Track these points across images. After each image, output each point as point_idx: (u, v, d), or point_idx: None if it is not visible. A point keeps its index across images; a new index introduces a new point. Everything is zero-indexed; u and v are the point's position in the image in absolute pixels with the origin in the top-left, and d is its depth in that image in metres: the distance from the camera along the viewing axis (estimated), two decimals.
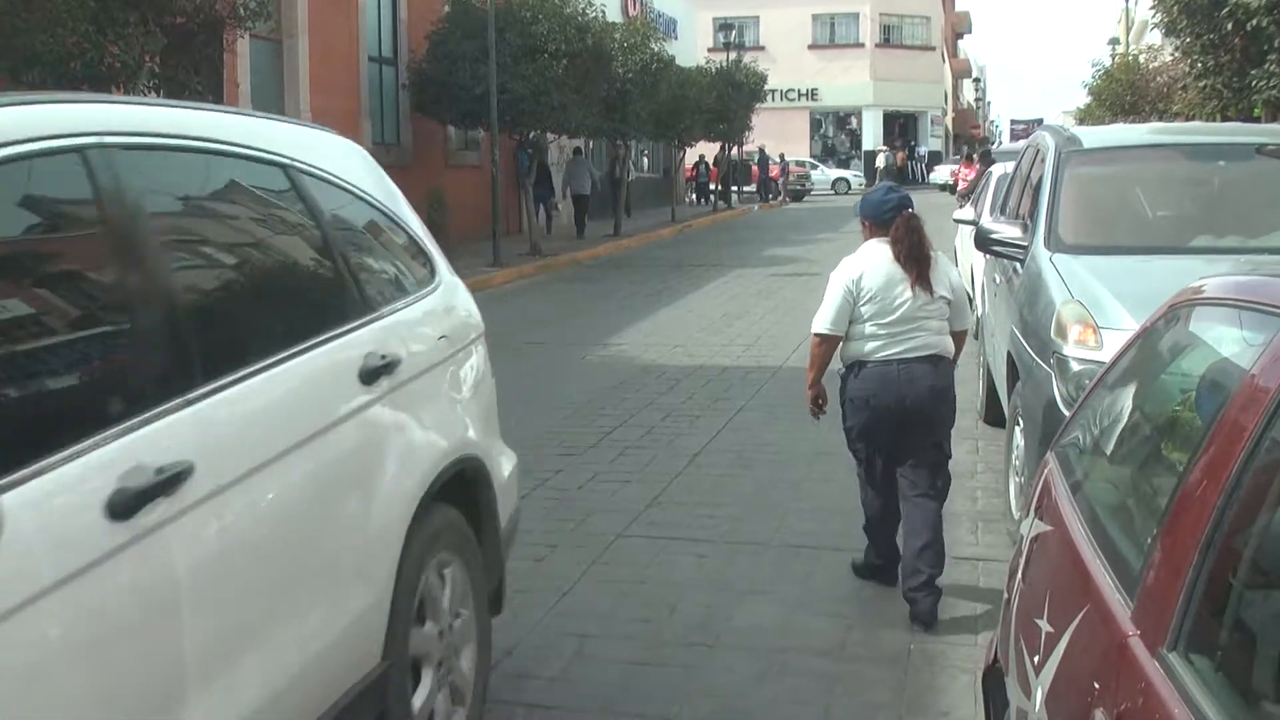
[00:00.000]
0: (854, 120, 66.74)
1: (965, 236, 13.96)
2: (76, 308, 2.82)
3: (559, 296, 18.25)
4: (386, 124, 23.75)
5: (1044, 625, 2.90)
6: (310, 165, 3.93)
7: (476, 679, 4.37)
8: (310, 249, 3.91)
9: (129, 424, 2.70)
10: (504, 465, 4.93)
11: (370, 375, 3.78)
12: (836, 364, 5.90)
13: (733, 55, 38.71)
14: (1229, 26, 18.04)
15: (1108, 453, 3.35)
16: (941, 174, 54.13)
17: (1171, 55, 27.43)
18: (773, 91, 47.23)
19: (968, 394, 10.43)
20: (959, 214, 15.04)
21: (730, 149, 40.60)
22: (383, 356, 3.87)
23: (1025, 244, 7.32)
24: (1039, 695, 2.78)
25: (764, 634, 5.48)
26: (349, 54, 22.03)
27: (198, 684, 2.79)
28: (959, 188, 19.25)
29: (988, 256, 8.93)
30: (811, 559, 6.48)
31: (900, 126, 68.14)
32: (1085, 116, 40.47)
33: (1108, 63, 40.46)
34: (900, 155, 20.58)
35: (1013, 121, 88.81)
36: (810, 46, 65.69)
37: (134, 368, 2.89)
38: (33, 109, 2.85)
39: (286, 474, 3.23)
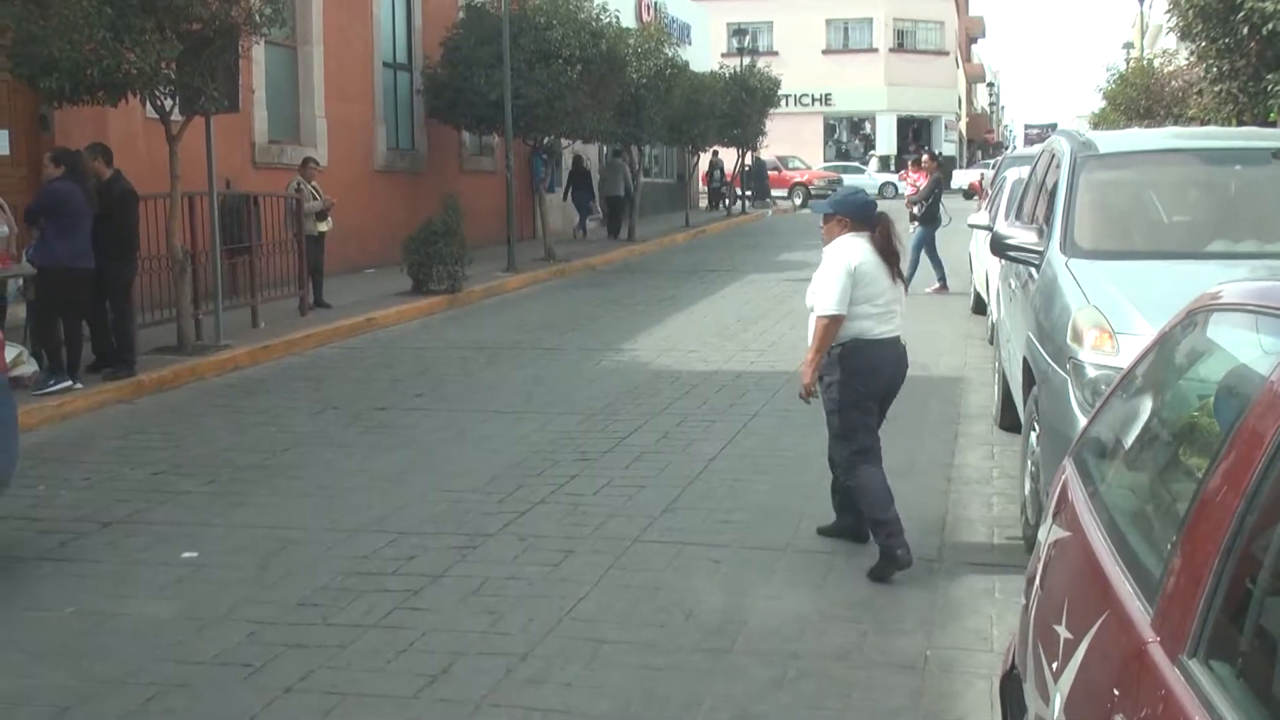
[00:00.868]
0: (868, 125, 66.63)
1: (980, 241, 13.95)
2: None
3: (573, 301, 18.25)
4: (401, 130, 23.78)
5: (1062, 631, 2.90)
6: None
7: None
8: None
9: None
10: None
11: None
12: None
13: (746, 60, 38.66)
14: (1244, 31, 17.98)
15: (1126, 459, 3.35)
16: (959, 179, 54.01)
17: (1186, 60, 27.35)
18: (786, 96, 47.16)
19: (983, 399, 10.44)
20: (974, 218, 15.01)
21: (744, 154, 40.55)
22: None
23: (1041, 249, 7.31)
24: (1058, 702, 2.78)
25: (779, 639, 5.48)
26: (363, 60, 22.07)
27: None
28: (908, 193, 19.00)
29: (1003, 261, 8.91)
30: (826, 564, 6.48)
31: (914, 131, 68.05)
32: (1100, 121, 40.35)
33: (1122, 67, 40.33)
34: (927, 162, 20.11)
35: (1027, 126, 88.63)
36: (824, 51, 65.64)
37: None
38: None
39: None
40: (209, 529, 7.25)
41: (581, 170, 30.46)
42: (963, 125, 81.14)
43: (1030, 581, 3.58)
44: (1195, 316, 3.21)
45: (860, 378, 6.36)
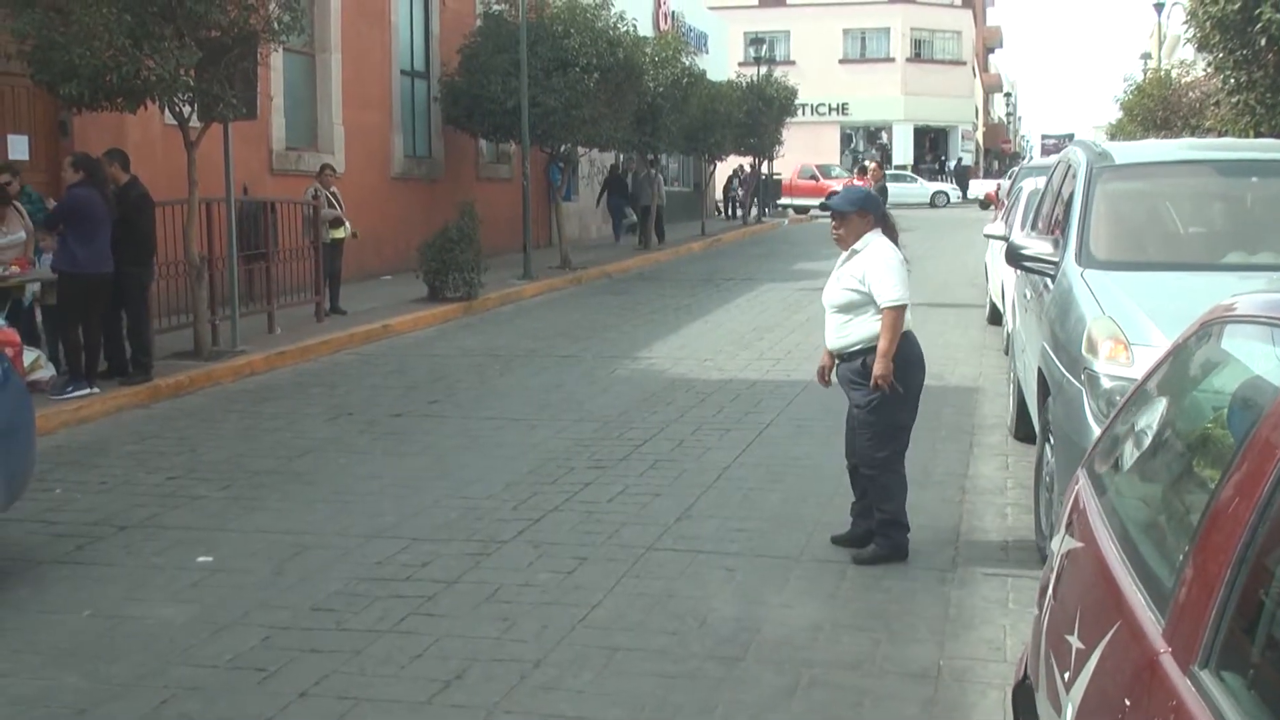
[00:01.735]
0: (884, 135, 66.61)
1: (996, 251, 13.93)
2: None
3: (589, 309, 18.27)
4: (418, 137, 23.85)
5: (1075, 642, 2.90)
6: None
7: None
8: None
9: None
10: None
11: None
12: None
13: (763, 69, 38.68)
14: (1262, 42, 17.93)
15: (1139, 469, 3.35)
16: (977, 189, 53.90)
17: (1204, 71, 27.28)
18: (803, 106, 47.21)
19: (997, 409, 10.43)
20: (990, 229, 15.00)
21: (760, 163, 40.55)
22: None
23: (1056, 259, 7.30)
24: (1070, 712, 2.78)
25: (792, 648, 5.48)
26: (381, 67, 22.14)
27: None
28: None
29: (1018, 272, 8.90)
30: (839, 573, 6.47)
31: (931, 141, 68.03)
32: (1117, 132, 40.27)
33: (1140, 78, 40.26)
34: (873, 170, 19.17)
35: (1044, 136, 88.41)
36: (841, 61, 65.68)
37: None
38: None
39: None
40: (224, 533, 7.27)
41: (617, 177, 30.73)
42: (979, 135, 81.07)
43: (1043, 591, 3.58)
44: (1210, 328, 3.21)
45: (912, 369, 6.55)
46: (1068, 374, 6.30)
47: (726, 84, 35.00)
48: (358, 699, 4.98)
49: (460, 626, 5.76)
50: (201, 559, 6.80)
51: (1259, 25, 17.62)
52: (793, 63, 59.65)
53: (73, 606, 6.11)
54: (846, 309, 6.56)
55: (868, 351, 6.48)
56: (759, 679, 5.16)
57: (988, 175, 65.17)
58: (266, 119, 17.42)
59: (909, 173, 58.82)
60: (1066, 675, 2.89)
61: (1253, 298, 3.01)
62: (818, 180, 49.58)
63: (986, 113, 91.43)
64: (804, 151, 54.23)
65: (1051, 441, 6.59)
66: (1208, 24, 18.97)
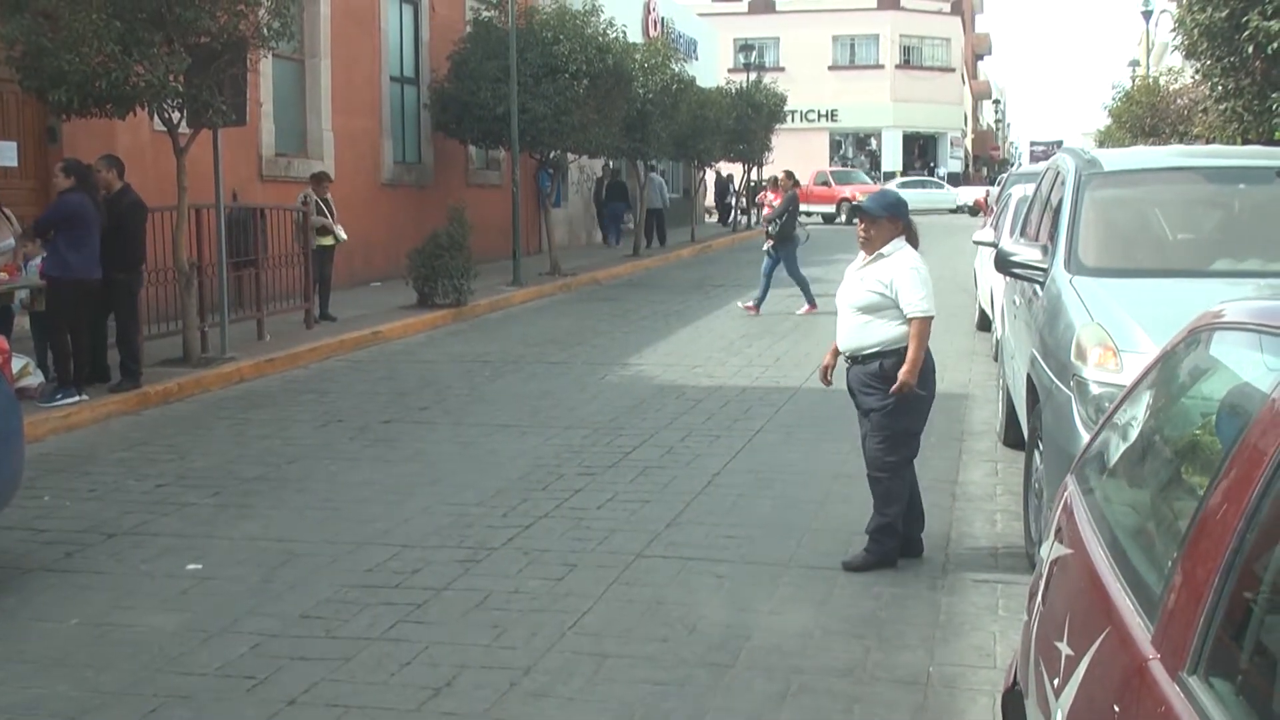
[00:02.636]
0: (874, 141, 66.77)
1: (985, 258, 13.96)
2: None
3: (579, 316, 18.27)
4: (408, 143, 23.84)
5: (1064, 648, 2.91)
6: None
7: None
8: None
9: None
10: None
11: None
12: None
13: (753, 76, 38.73)
14: (1249, 50, 18.00)
15: (1128, 476, 3.36)
16: (964, 196, 53.94)
17: (1192, 78, 27.38)
18: (792, 112, 47.28)
19: (987, 415, 10.44)
20: (979, 235, 15.03)
21: (749, 170, 40.58)
22: None
23: (1045, 266, 7.32)
24: (1059, 718, 2.78)
25: (783, 654, 5.48)
26: (371, 73, 22.13)
27: None
28: (765, 212, 18.83)
29: (1007, 279, 8.92)
30: (829, 580, 6.48)
31: (920, 148, 68.15)
32: (1105, 139, 40.38)
33: (1128, 85, 40.37)
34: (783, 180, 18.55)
35: (1032, 143, 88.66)
36: (830, 67, 65.82)
37: None
38: None
39: None
40: (213, 541, 7.26)
41: (618, 183, 31.24)
42: (968, 142, 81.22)
43: (1032, 597, 3.59)
44: (1198, 335, 3.22)
45: (929, 377, 6.61)
46: (1057, 380, 6.31)
47: (716, 90, 35.06)
48: (347, 707, 4.97)
49: (450, 634, 5.75)
50: (191, 566, 6.78)
51: (1246, 33, 17.69)
52: (782, 69, 59.75)
53: (61, 614, 6.09)
54: (867, 310, 6.54)
55: (884, 355, 6.50)
56: (749, 686, 5.16)
57: (976, 182, 65.21)
58: (256, 125, 17.40)
59: (933, 177, 58.53)
60: (1056, 682, 2.89)
61: (1241, 305, 3.02)
62: (829, 185, 48.89)
63: (975, 119, 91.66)
64: (793, 158, 54.22)
65: (1041, 448, 6.60)
66: (1195, 31, 19.04)
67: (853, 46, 66.67)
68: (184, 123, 12.56)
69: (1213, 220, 7.89)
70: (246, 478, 8.77)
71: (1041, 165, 13.86)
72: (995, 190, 25.83)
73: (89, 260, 10.91)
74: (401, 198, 22.71)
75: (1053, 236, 7.59)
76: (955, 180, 63.83)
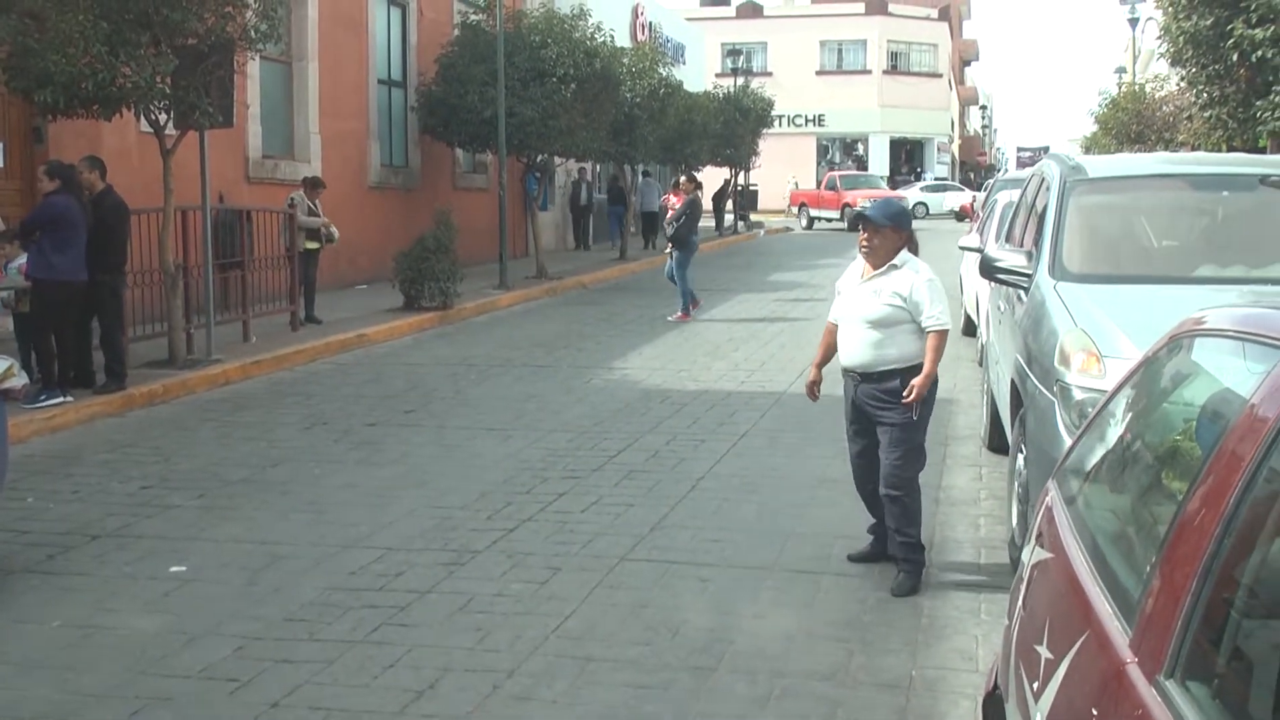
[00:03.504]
0: (860, 146, 66.84)
1: (970, 263, 13.99)
2: None
3: (564, 319, 18.27)
4: (395, 146, 23.82)
5: (1043, 652, 2.92)
6: None
7: None
8: None
9: None
10: None
11: None
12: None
13: (740, 81, 38.79)
14: (1234, 58, 18.10)
15: (1109, 481, 3.37)
16: (950, 202, 54.03)
17: (1178, 85, 27.50)
18: (780, 117, 47.25)
19: (971, 420, 10.46)
20: (965, 240, 15.07)
21: (736, 175, 40.60)
22: None
23: (1030, 272, 7.34)
24: None
25: (766, 658, 5.49)
26: (358, 76, 22.12)
27: None
28: (667, 215, 18.82)
29: (992, 284, 8.95)
30: (813, 584, 6.49)
31: (907, 153, 68.28)
32: (1091, 145, 40.54)
33: (1114, 92, 40.54)
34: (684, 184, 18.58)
35: (1019, 149, 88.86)
36: (818, 72, 65.89)
37: None
38: None
39: None
40: (197, 543, 7.24)
41: (618, 188, 31.91)
42: (955, 148, 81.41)
43: (1013, 602, 3.60)
44: (1180, 341, 3.24)
45: (936, 389, 6.52)
46: (1040, 386, 6.33)
47: (703, 95, 35.12)
48: (330, 710, 4.97)
49: (433, 636, 5.75)
50: (174, 569, 6.77)
51: (1231, 41, 17.79)
52: (770, 74, 59.85)
53: (43, 616, 6.07)
54: (884, 324, 6.34)
55: (903, 372, 6.32)
56: (732, 689, 5.16)
57: (981, 189, 65.25)
58: (243, 127, 17.37)
59: (952, 181, 58.10)
60: (1035, 685, 2.91)
61: (1223, 311, 3.03)
62: (836, 190, 45.99)
63: (962, 125, 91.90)
64: (781, 162, 54.32)
65: (1024, 452, 6.62)
66: (1181, 39, 19.14)
67: (840, 51, 66.76)
68: (170, 124, 12.54)
69: (1196, 227, 7.92)
70: (231, 480, 8.76)
71: (1027, 171, 13.90)
72: (981, 196, 25.92)
73: (75, 262, 10.88)
74: (388, 200, 22.69)
75: (1037, 242, 7.61)
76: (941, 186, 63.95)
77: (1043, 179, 8.53)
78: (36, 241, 10.85)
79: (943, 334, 6.34)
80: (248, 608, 6.16)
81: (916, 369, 6.31)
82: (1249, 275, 6.98)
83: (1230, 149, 19.38)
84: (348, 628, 5.86)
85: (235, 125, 13.94)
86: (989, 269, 7.78)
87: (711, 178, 42.89)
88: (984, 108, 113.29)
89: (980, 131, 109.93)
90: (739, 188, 41.94)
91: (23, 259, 11.14)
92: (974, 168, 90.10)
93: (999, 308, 8.90)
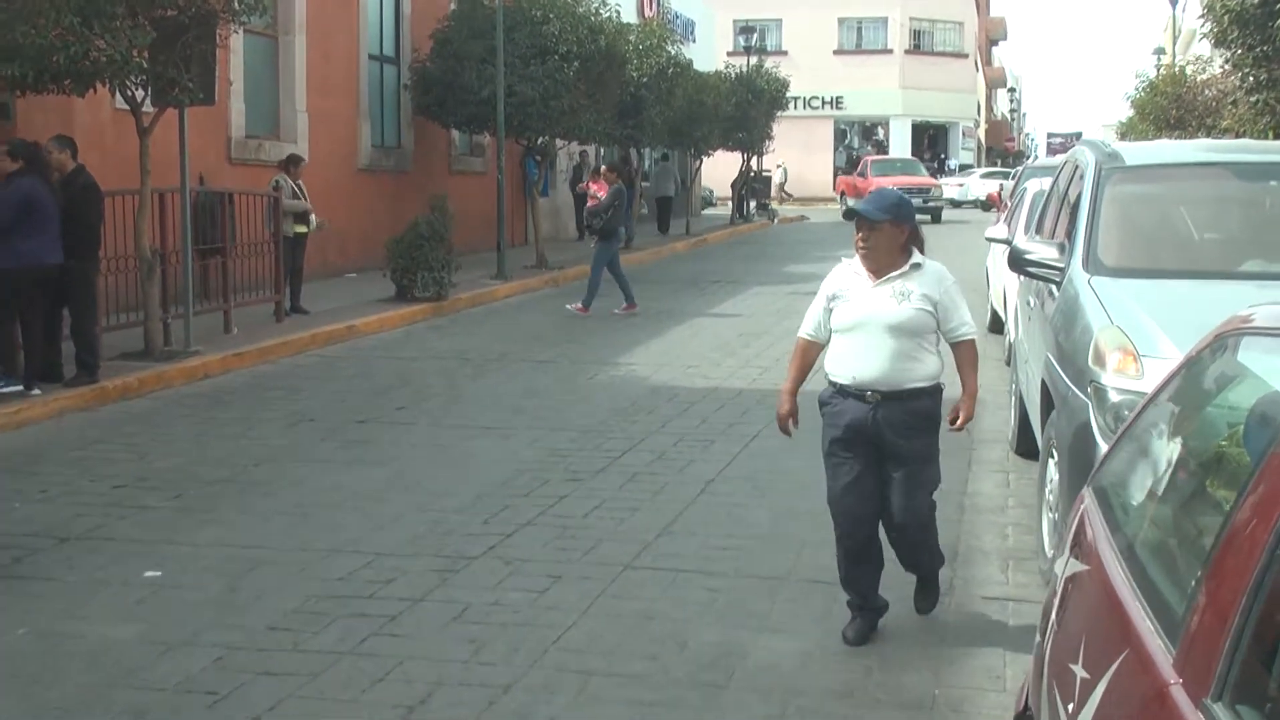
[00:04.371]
0: (881, 131, 66.78)
1: (998, 256, 13.97)
2: None
3: (566, 311, 18.26)
4: (387, 127, 23.83)
5: (1079, 671, 2.90)
6: None
7: None
8: None
9: None
10: None
11: None
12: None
13: (753, 60, 38.76)
14: None
15: (1148, 489, 3.35)
16: (976, 189, 53.94)
17: (1221, 68, 27.40)
18: (795, 99, 47.23)
19: (998, 423, 10.45)
20: (992, 231, 15.04)
21: (749, 160, 40.56)
22: None
23: (1062, 266, 7.33)
24: None
25: (779, 674, 5.48)
26: (348, 52, 22.12)
27: None
28: (589, 204, 18.75)
29: (1022, 278, 8.93)
30: (830, 595, 6.46)
31: (930, 138, 68.21)
32: (1128, 131, 40.46)
33: (1153, 74, 40.44)
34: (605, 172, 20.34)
35: (1049, 135, 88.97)
36: (836, 52, 65.79)
37: None
38: None
39: None
40: (174, 547, 7.24)
41: (626, 172, 31.56)
42: (981, 132, 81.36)
43: (1045, 617, 3.58)
44: (1225, 340, 3.22)
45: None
46: (1073, 386, 6.32)
47: (714, 75, 35.10)
48: None
49: (425, 648, 5.74)
50: (149, 574, 6.76)
51: None
52: (785, 53, 59.70)
53: (8, 624, 6.07)
54: (914, 333, 5.75)
55: (930, 390, 5.80)
56: (744, 708, 5.15)
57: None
58: (225, 105, 17.38)
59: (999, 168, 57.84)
60: (1070, 706, 2.89)
61: (1271, 308, 3.02)
62: (866, 177, 44.79)
63: (989, 109, 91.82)
64: (796, 147, 54.29)
65: (1055, 457, 6.61)
66: (1225, 18, 19.05)
67: (860, 30, 66.68)
68: (148, 101, 12.53)
69: (1241, 219, 7.90)
70: (210, 480, 8.75)
71: (1059, 158, 13.86)
72: (1009, 184, 25.86)
73: (44, 246, 10.87)
74: (379, 184, 22.70)
75: (1070, 234, 7.60)
76: (966, 173, 63.85)
77: (1076, 166, 8.51)
78: (3, 227, 10.79)
79: (974, 343, 5.90)
80: (227, 616, 6.15)
81: (939, 388, 5.85)
82: None
83: (1278, 136, 19.32)
84: (334, 638, 5.85)
85: (217, 103, 13.94)
86: (1018, 262, 7.77)
87: (723, 165, 43.01)
88: (1012, 90, 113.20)
89: (1008, 116, 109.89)
90: (753, 174, 41.88)
91: None
92: (1001, 154, 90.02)
93: (1028, 303, 8.89)
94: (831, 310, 5.92)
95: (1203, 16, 20.65)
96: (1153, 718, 2.34)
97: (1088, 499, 3.67)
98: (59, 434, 10.22)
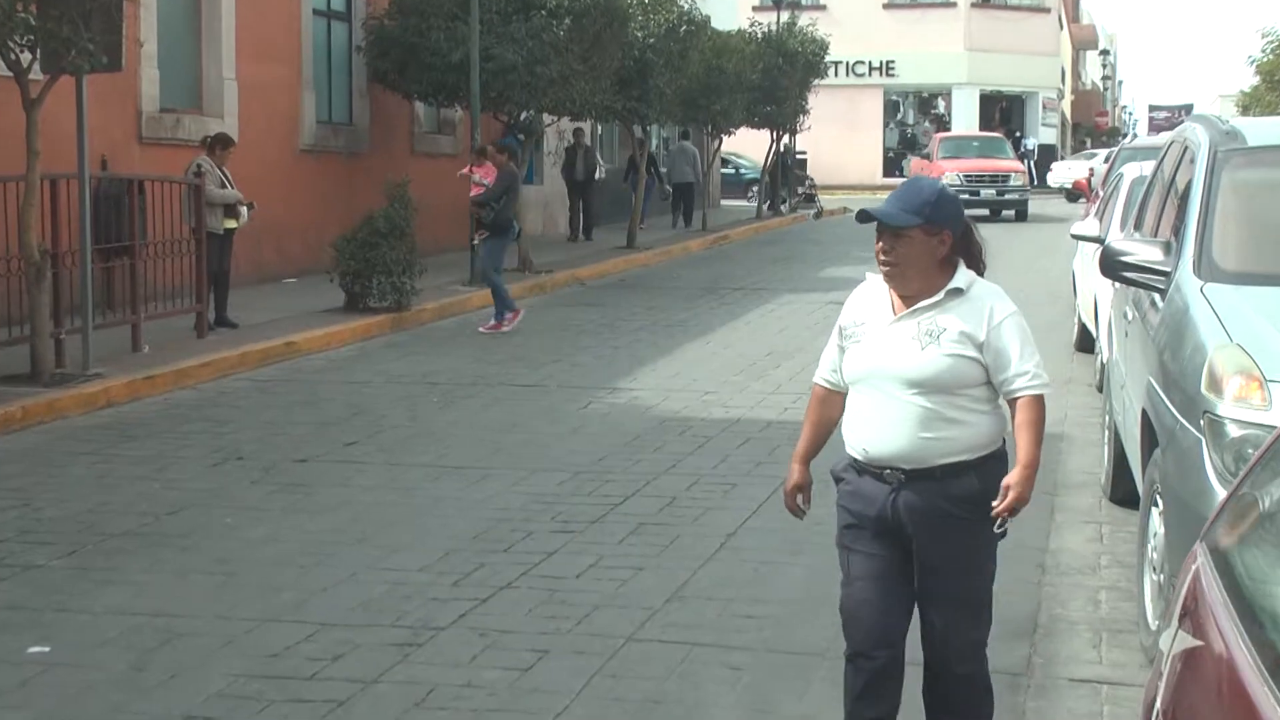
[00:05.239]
0: (941, 103, 66.90)
1: (1087, 258, 13.97)
2: None
3: (555, 325, 18.28)
4: (336, 98, 23.89)
5: None
6: None
7: None
8: None
9: None
10: None
11: None
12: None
13: (785, 16, 38.82)
14: None
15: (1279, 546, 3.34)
16: (1061, 175, 54.03)
17: None
18: (836, 64, 47.36)
19: (1088, 463, 10.43)
20: (1079, 228, 15.05)
21: (779, 139, 40.50)
22: None
23: (1168, 270, 7.32)
24: None
25: None
26: (289, 6, 22.16)
27: None
28: (472, 192, 18.74)
29: (1117, 285, 8.92)
30: None
31: (1002, 111, 68.23)
32: (1251, 103, 40.62)
33: None
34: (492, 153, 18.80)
35: (1151, 108, 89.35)
36: (886, 6, 65.84)
37: None
38: None
39: None
40: (67, 615, 7.23)
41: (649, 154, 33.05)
42: (1066, 105, 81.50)
43: (1149, 706, 3.56)
44: None
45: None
46: (1182, 418, 6.30)
47: (737, 35, 35.19)
48: None
49: None
50: (34, 649, 6.75)
51: None
52: (823, 7, 59.80)
53: None
54: (943, 388, 4.95)
55: (976, 465, 5.08)
56: None
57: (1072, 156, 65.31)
58: (134, 71, 17.39)
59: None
60: None
61: None
62: (932, 160, 43.30)
63: (1076, 76, 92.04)
64: (837, 123, 54.34)
65: (1159, 506, 6.59)
66: None
67: None
68: (37, 66, 12.53)
69: None
70: (113, 532, 8.74)
71: (1164, 138, 13.87)
72: (1102, 169, 25.90)
73: None
74: (326, 168, 22.74)
75: (1178, 231, 7.59)
76: (1048, 154, 63.93)
77: (1185, 148, 8.52)
78: None
79: (1042, 399, 5.04)
80: (133, 701, 6.14)
81: (993, 457, 5.12)
82: None
83: None
84: None
85: (124, 69, 13.96)
86: (1113, 265, 7.76)
87: (748, 142, 43.00)
88: (1105, 53, 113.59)
89: (1100, 85, 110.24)
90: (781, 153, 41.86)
91: None
92: (1091, 131, 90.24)
93: (1126, 316, 8.88)
94: (844, 350, 5.25)
95: None
96: None
97: (1201, 557, 3.65)
98: None
